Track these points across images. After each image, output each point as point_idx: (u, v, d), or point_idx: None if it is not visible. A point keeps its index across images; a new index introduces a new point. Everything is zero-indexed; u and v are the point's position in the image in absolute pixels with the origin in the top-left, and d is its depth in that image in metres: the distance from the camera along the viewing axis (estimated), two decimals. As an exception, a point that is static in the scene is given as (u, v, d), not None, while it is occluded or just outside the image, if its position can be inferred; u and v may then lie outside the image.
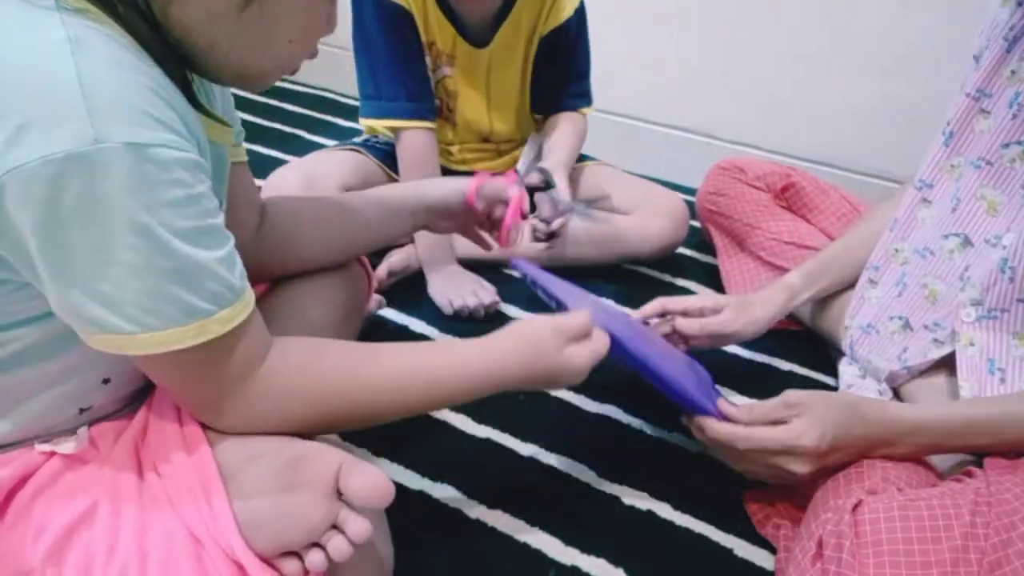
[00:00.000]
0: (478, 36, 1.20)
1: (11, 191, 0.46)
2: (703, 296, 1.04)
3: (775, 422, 0.76)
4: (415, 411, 0.68)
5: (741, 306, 0.98)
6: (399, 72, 1.15)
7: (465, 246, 1.28)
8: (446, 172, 1.28)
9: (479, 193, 0.87)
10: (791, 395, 0.78)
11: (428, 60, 1.20)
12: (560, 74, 1.26)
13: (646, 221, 1.27)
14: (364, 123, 1.33)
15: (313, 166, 1.24)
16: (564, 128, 1.26)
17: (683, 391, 0.78)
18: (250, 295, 0.57)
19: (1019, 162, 0.89)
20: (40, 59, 0.46)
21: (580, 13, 1.23)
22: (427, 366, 0.67)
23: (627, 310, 1.07)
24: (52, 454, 0.60)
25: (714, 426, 0.78)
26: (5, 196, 0.46)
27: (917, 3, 1.39)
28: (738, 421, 0.78)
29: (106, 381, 0.62)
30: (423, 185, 0.93)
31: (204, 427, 0.61)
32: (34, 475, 0.59)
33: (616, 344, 0.73)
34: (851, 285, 1.06)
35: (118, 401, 0.66)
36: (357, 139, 1.36)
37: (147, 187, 0.48)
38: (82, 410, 0.63)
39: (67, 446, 0.60)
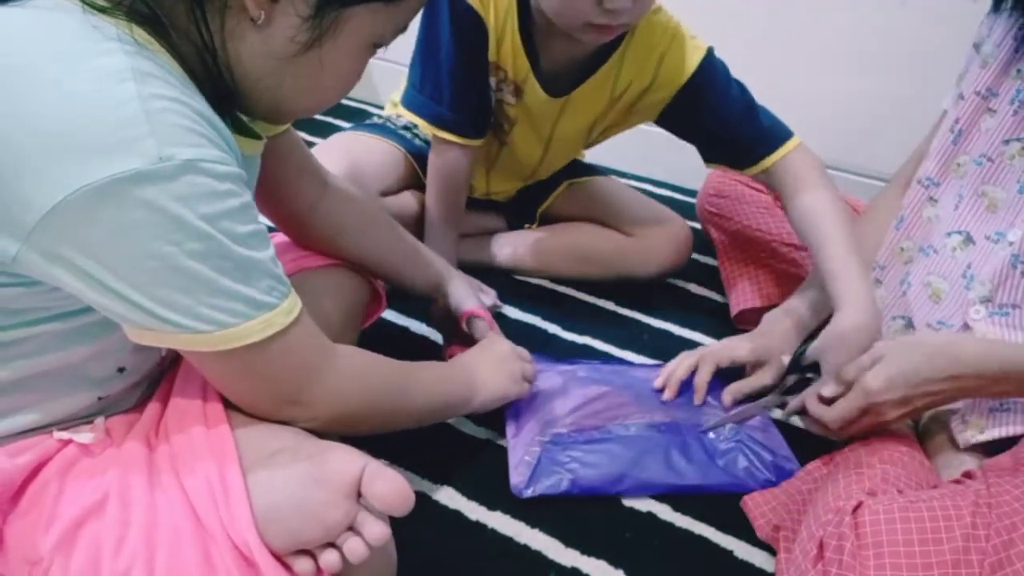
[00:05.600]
0: (554, 80, 1.08)
1: (81, 209, 0.49)
2: (721, 348, 1.02)
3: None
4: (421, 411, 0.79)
5: (765, 354, 1.00)
6: (450, 80, 1.05)
7: (466, 251, 1.28)
8: (467, 199, 1.21)
9: (468, 322, 0.96)
10: (878, 347, 0.81)
11: (492, 80, 1.08)
12: (720, 126, 1.09)
13: (649, 245, 1.26)
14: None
15: (358, 159, 1.16)
16: (804, 195, 1.02)
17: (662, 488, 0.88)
18: (293, 293, 0.61)
19: (1019, 158, 0.89)
20: (105, 86, 0.50)
21: (706, 66, 1.07)
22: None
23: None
24: (69, 442, 0.61)
25: (811, 425, 0.87)
26: (75, 214, 0.49)
27: (916, 3, 1.39)
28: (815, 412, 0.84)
29: (121, 370, 0.64)
30: (451, 273, 1.00)
31: (227, 409, 0.63)
32: (48, 464, 0.60)
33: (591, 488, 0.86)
34: None
35: (133, 391, 0.68)
36: (397, 120, 1.25)
37: (208, 198, 0.52)
38: (100, 398, 0.64)
39: (85, 436, 0.61)
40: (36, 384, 0.60)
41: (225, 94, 0.61)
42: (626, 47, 1.06)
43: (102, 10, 0.53)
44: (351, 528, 0.57)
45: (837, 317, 0.88)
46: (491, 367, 0.87)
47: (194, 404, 0.64)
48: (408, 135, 1.25)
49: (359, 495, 0.57)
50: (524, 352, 0.92)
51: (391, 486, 0.57)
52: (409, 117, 1.13)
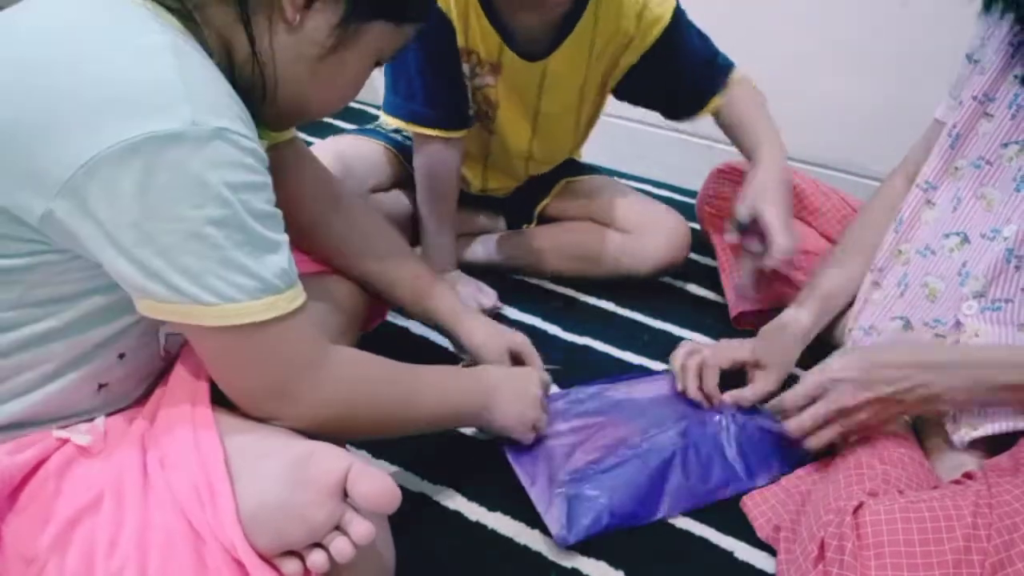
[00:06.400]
0: (530, 48, 1.08)
1: (114, 163, 0.51)
2: (721, 349, 1.02)
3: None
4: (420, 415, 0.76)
5: (766, 356, 0.99)
6: (420, 77, 1.05)
7: (465, 251, 1.29)
8: (464, 197, 1.21)
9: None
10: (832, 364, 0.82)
11: (466, 67, 1.09)
12: (683, 78, 1.13)
13: (645, 241, 1.26)
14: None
15: (344, 155, 1.18)
16: (745, 116, 1.13)
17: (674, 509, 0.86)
18: (299, 285, 0.62)
19: (1016, 160, 0.89)
20: (148, 58, 0.54)
21: (674, 24, 1.09)
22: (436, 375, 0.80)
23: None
24: (67, 441, 0.61)
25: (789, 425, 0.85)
26: (108, 169, 0.51)
27: (916, 4, 1.39)
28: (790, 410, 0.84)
29: (121, 356, 0.64)
30: (446, 298, 0.96)
31: (215, 413, 0.63)
32: (46, 462, 0.60)
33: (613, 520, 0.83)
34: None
35: (133, 380, 0.68)
36: (386, 126, 1.26)
37: (232, 167, 0.55)
38: (101, 386, 0.64)
39: (83, 437, 0.61)
40: (42, 368, 0.60)
41: (244, 94, 0.62)
42: (597, 2, 1.07)
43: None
44: (338, 528, 0.57)
45: (756, 171, 1.05)
46: (513, 396, 0.85)
47: (183, 409, 0.63)
48: (399, 137, 1.26)
49: (345, 495, 0.57)
50: (545, 403, 0.90)
51: (376, 485, 0.56)
52: (392, 122, 1.13)
